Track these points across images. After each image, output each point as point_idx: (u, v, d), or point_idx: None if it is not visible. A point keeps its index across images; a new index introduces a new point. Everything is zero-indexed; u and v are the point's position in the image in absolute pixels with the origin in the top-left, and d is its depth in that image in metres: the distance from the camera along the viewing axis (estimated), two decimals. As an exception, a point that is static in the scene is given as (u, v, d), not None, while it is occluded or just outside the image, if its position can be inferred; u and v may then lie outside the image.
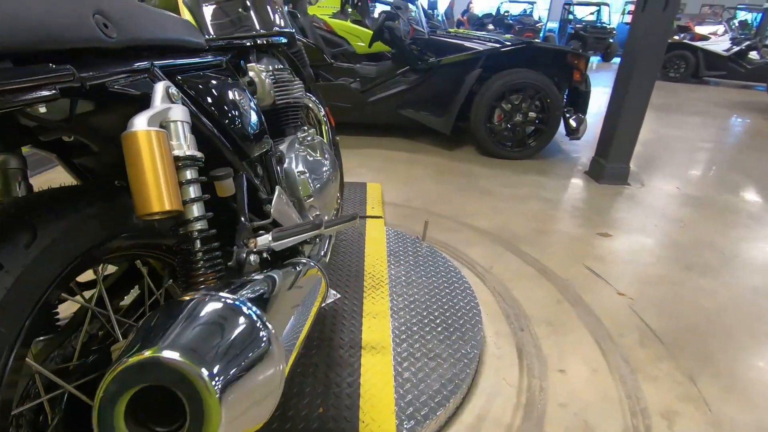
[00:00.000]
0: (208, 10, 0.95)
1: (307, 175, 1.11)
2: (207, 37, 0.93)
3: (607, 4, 12.09)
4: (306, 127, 1.25)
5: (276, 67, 1.18)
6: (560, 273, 1.86)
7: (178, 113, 0.63)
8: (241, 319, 0.49)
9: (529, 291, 1.72)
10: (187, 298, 0.50)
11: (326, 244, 1.20)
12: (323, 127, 1.59)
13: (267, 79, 1.09)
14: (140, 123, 0.55)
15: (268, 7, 1.17)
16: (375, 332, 1.32)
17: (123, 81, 0.58)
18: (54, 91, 0.45)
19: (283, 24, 1.27)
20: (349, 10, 5.12)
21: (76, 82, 0.49)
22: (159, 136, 0.57)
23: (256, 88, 1.08)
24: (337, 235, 1.89)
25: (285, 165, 1.11)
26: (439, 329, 1.37)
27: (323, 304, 1.24)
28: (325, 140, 1.37)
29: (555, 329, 1.51)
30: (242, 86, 0.95)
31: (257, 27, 1.09)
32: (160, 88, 0.62)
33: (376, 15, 4.78)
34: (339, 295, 1.49)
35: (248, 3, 1.08)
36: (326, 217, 1.23)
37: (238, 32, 1.02)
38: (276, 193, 0.87)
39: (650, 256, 2.04)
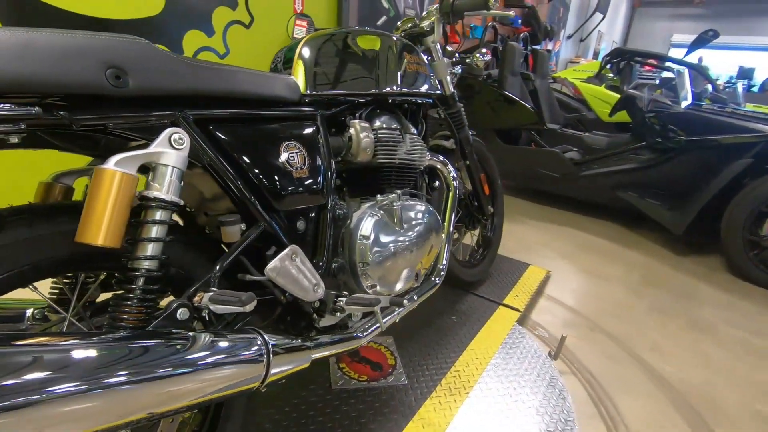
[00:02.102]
0: (316, 68, 1.00)
1: (370, 241, 1.02)
2: (310, 91, 0.98)
3: None
4: (400, 191, 1.16)
5: (389, 125, 1.15)
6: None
7: (170, 158, 0.67)
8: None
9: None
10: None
11: (380, 318, 1.06)
12: (450, 193, 1.45)
13: (366, 137, 1.06)
14: (110, 162, 0.61)
15: (397, 69, 1.16)
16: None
17: (125, 124, 0.65)
18: (22, 126, 0.54)
19: (422, 86, 1.23)
20: (610, 75, 4.65)
21: (65, 120, 0.58)
22: (122, 177, 0.61)
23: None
24: (443, 308, 1.68)
25: (351, 225, 1.05)
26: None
27: (386, 381, 1.11)
28: (423, 207, 1.23)
29: None
30: (317, 141, 0.96)
31: (375, 86, 1.08)
32: (164, 133, 0.67)
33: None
34: (406, 381, 1.30)
35: (365, 64, 1.09)
36: (383, 292, 1.10)
37: (342, 89, 1.03)
38: (286, 250, 0.82)
39: None
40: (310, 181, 0.92)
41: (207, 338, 0.62)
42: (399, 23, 1.50)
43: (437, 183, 1.50)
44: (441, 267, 1.37)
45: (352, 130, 1.07)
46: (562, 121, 3.55)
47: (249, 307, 0.61)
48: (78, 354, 0.49)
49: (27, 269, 0.61)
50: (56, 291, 0.82)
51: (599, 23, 7.99)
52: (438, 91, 1.36)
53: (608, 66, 4.40)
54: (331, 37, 1.07)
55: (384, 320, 1.07)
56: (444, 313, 1.70)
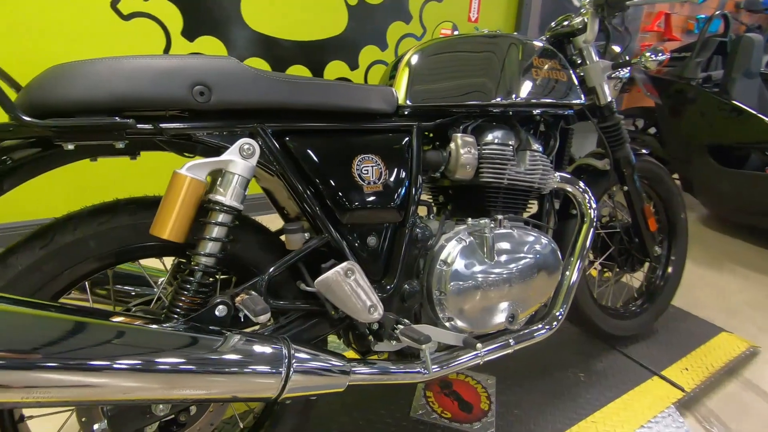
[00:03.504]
0: (420, 77, 0.95)
1: (450, 268, 0.91)
2: (410, 102, 0.94)
3: None
4: (501, 216, 1.00)
5: (500, 141, 1.01)
6: None
7: (237, 167, 0.73)
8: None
9: None
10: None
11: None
12: (584, 224, 1.19)
13: (467, 153, 0.97)
14: (185, 168, 0.70)
15: (518, 76, 1.01)
16: None
17: (206, 135, 0.74)
18: (117, 134, 0.66)
19: (555, 96, 1.05)
20: None
21: (154, 132, 0.69)
22: (191, 182, 0.69)
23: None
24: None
25: (435, 248, 0.96)
26: None
27: (470, 426, 1.00)
28: (534, 238, 1.03)
29: None
30: (402, 155, 0.91)
31: (485, 96, 0.97)
32: (236, 144, 0.74)
33: None
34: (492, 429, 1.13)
35: (477, 72, 0.98)
36: (464, 328, 0.96)
37: (445, 100, 0.95)
38: (341, 265, 0.79)
39: None
40: (385, 196, 0.88)
41: (230, 340, 0.65)
42: (553, 23, 1.31)
43: (575, 211, 1.26)
44: (557, 314, 1.13)
45: (452, 144, 0.98)
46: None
47: (261, 319, 0.62)
48: (122, 335, 0.58)
49: (134, 248, 0.76)
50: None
51: None
52: (580, 101, 1.13)
53: None
54: (442, 44, 1.00)
55: (455, 362, 0.94)
56: (569, 366, 1.41)
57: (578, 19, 1.20)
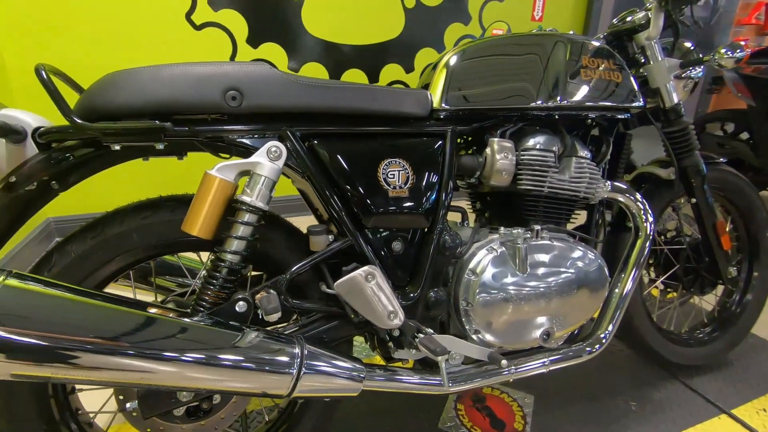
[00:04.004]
0: (457, 80, 0.93)
1: (478, 278, 0.88)
2: (445, 106, 0.92)
3: None
4: (539, 227, 0.94)
5: (542, 146, 0.96)
6: None
7: (263, 169, 0.76)
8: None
9: None
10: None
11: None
12: (638, 239, 1.09)
13: (503, 158, 0.92)
14: (215, 169, 0.74)
15: (564, 78, 0.95)
16: None
17: (237, 137, 0.77)
18: (156, 136, 0.71)
19: (606, 98, 0.98)
20: None
21: (190, 134, 0.74)
22: (222, 183, 0.73)
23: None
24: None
25: (465, 256, 0.92)
26: None
27: None
28: (575, 251, 0.95)
29: None
30: (432, 159, 0.89)
31: (526, 100, 0.93)
32: (264, 146, 0.77)
33: None
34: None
35: (518, 73, 0.94)
36: (493, 342, 0.92)
37: (483, 103, 0.92)
38: (361, 269, 0.79)
39: None
40: (411, 202, 0.86)
41: (246, 336, 0.67)
42: (615, 19, 1.21)
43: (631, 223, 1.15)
44: (602, 335, 1.04)
45: (487, 149, 0.94)
46: None
47: (272, 318, 0.63)
48: (143, 324, 0.63)
49: (172, 242, 0.82)
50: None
51: None
52: (639, 103, 1.03)
53: None
54: (482, 45, 0.96)
55: (477, 377, 0.90)
56: (619, 392, 1.29)
57: (641, 14, 1.10)
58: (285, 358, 0.68)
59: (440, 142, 0.91)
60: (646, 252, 1.08)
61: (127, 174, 2.35)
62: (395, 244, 0.88)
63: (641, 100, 1.04)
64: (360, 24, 2.58)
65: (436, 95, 0.92)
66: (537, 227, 0.94)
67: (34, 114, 0.76)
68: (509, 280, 0.89)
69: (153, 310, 0.66)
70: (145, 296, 0.94)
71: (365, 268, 0.80)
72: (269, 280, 0.81)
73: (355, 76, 2.66)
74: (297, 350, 0.70)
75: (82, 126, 0.68)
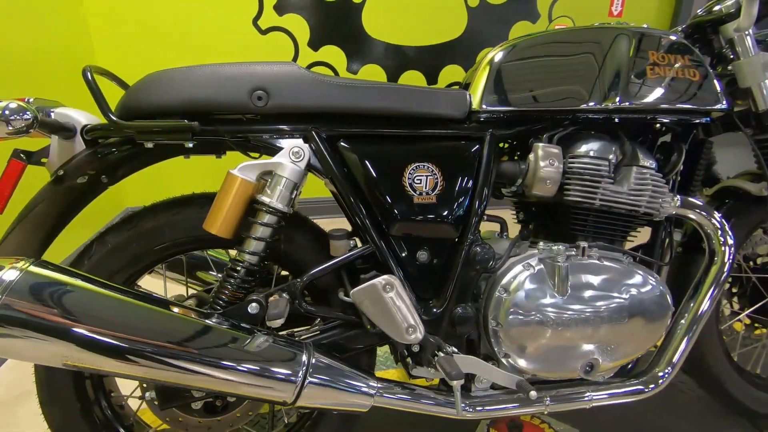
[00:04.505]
0: (500, 79, 0.86)
1: (510, 296, 0.80)
2: (485, 107, 0.86)
3: None
4: (585, 244, 0.83)
5: (595, 154, 0.86)
6: None
7: (285, 170, 0.75)
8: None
9: None
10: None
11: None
12: (713, 264, 0.93)
13: (548, 165, 0.84)
14: (237, 168, 0.74)
15: (627, 76, 0.84)
16: None
17: (263, 137, 0.76)
18: (184, 135, 0.73)
19: (678, 100, 0.86)
20: None
21: (217, 133, 0.75)
22: (243, 183, 0.73)
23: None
24: None
25: (498, 271, 0.85)
26: None
27: None
28: (629, 275, 0.83)
29: None
30: (466, 165, 0.83)
31: (579, 100, 0.83)
32: (287, 147, 0.76)
33: None
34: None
35: (573, 71, 0.84)
36: (525, 369, 0.83)
37: (527, 104, 0.84)
38: (379, 278, 0.75)
39: None
40: (438, 209, 0.80)
41: (254, 339, 0.66)
42: (700, 9, 1.06)
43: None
44: (660, 373, 0.90)
45: (531, 155, 0.86)
46: None
47: (275, 323, 0.61)
48: (155, 319, 0.64)
49: (199, 238, 0.83)
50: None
51: None
52: (722, 106, 0.88)
53: None
54: (531, 41, 0.88)
55: (502, 406, 0.81)
56: (685, 440, 1.12)
57: (729, 2, 0.94)
58: (290, 366, 0.66)
59: (477, 146, 0.85)
60: (722, 279, 0.92)
61: (204, 166, 2.46)
62: (421, 254, 0.83)
63: (725, 102, 0.89)
64: (420, 25, 2.53)
65: (476, 96, 0.85)
66: (583, 244, 0.83)
67: (84, 112, 0.81)
68: (546, 301, 0.80)
69: (163, 306, 0.67)
70: (179, 288, 0.97)
71: (384, 277, 0.76)
72: (286, 282, 0.79)
73: (413, 77, 2.62)
74: (304, 358, 0.68)
75: (117, 124, 0.71)
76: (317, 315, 0.80)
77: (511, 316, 0.79)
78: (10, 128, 0.66)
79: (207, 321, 0.67)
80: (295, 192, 0.77)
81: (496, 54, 0.88)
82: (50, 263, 0.63)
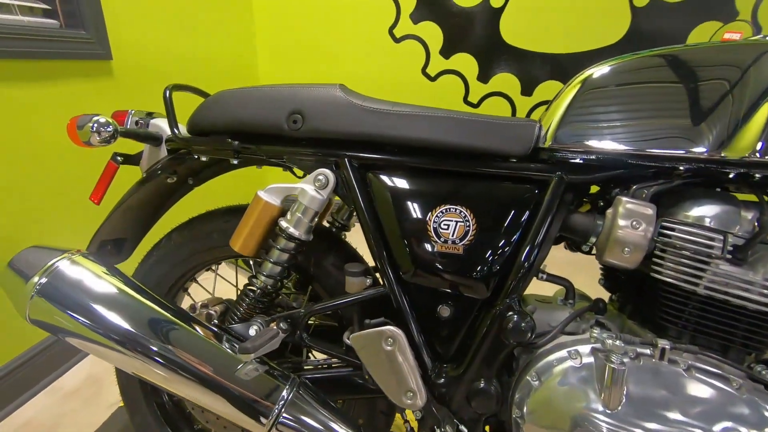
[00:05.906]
0: (584, 110, 0.69)
1: (540, 384, 0.63)
2: (558, 144, 0.70)
3: None
4: (660, 344, 0.60)
5: (699, 219, 0.62)
6: None
7: (305, 197, 0.73)
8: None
9: None
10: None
11: None
12: None
13: (628, 227, 0.64)
14: (265, 190, 0.75)
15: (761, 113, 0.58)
16: None
17: (295, 159, 0.76)
18: (228, 152, 0.77)
19: None
20: None
21: (256, 152, 0.78)
22: (266, 205, 0.75)
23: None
24: None
25: (539, 350, 0.68)
26: None
27: None
28: (724, 395, 0.56)
29: None
30: (515, 211, 0.69)
31: (690, 145, 0.61)
32: (314, 173, 0.74)
33: None
34: None
35: (683, 104, 0.62)
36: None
37: (615, 145, 0.65)
38: (381, 328, 0.66)
39: None
40: (465, 263, 0.68)
41: (236, 363, 0.66)
42: None
43: None
44: None
45: (610, 210, 0.66)
46: None
47: (260, 351, 0.59)
48: (160, 326, 0.69)
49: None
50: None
51: None
52: None
53: None
54: (635, 61, 0.67)
55: None
56: None
57: None
58: (268, 399, 0.64)
59: (536, 191, 0.69)
60: None
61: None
62: (442, 308, 0.72)
63: None
64: (568, 30, 2.23)
65: (548, 128, 0.70)
66: (664, 344, 0.60)
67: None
68: (586, 406, 0.60)
69: (172, 315, 0.71)
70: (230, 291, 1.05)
71: (387, 327, 0.68)
72: (290, 310, 0.78)
73: (552, 88, 2.34)
74: (284, 393, 0.65)
75: (176, 138, 0.79)
76: (316, 349, 0.77)
77: (536, 411, 0.63)
78: (98, 138, 0.79)
79: (206, 336, 0.70)
80: (315, 220, 0.74)
81: (586, 77, 0.70)
82: (92, 258, 0.74)
